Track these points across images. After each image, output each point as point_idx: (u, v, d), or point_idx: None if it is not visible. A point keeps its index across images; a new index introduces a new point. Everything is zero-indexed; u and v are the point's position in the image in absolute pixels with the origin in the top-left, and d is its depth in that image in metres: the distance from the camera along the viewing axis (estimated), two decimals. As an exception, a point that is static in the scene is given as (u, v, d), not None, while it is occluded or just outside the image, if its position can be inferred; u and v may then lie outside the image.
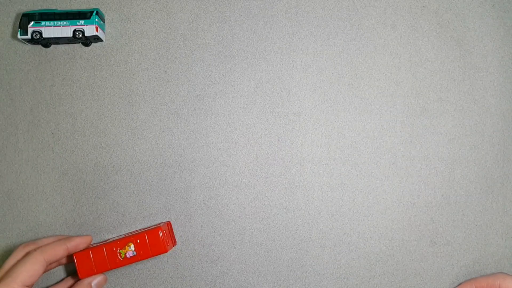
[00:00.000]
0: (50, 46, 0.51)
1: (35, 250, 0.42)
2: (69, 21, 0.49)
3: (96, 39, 0.50)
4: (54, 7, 0.51)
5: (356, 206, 0.49)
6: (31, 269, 0.41)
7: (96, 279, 0.45)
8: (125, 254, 0.45)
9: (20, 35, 0.49)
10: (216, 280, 0.49)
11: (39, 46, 0.51)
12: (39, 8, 0.51)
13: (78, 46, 0.51)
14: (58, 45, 0.51)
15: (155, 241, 0.45)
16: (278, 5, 0.51)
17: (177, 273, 0.49)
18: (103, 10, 0.51)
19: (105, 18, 0.51)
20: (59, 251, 0.43)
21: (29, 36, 0.49)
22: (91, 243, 0.48)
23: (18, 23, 0.50)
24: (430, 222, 0.49)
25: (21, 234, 0.50)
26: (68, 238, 0.46)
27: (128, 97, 0.50)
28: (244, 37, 0.51)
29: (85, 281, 0.45)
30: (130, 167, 0.50)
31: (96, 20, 0.49)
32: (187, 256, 0.49)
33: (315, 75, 0.50)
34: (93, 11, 0.49)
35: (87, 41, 0.50)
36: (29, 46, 0.51)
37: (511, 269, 0.48)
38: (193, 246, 0.49)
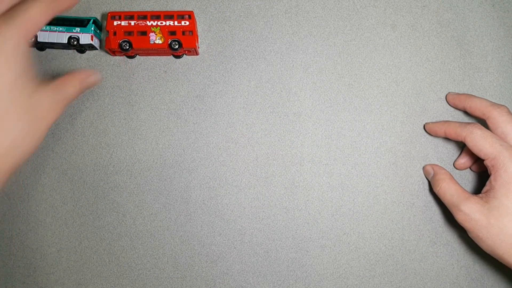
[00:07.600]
0: (45, 49, 0.50)
1: None
2: (65, 28, 0.48)
3: (91, 47, 0.49)
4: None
5: (356, 206, 0.49)
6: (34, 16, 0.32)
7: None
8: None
9: None
10: (216, 280, 0.49)
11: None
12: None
13: (78, 46, 0.51)
14: (58, 45, 0.51)
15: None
16: (278, 5, 0.51)
17: (177, 273, 0.49)
18: (103, 10, 0.51)
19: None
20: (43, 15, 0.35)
21: None
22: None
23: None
24: (430, 222, 0.49)
25: (21, 234, 0.50)
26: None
27: (128, 97, 0.50)
28: (244, 37, 0.51)
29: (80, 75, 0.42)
30: (130, 167, 0.50)
31: (92, 29, 0.48)
32: (187, 256, 0.49)
33: (315, 75, 0.50)
34: (90, 20, 0.49)
35: (82, 48, 0.50)
36: (29, 46, 0.51)
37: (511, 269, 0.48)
38: (193, 246, 0.49)
